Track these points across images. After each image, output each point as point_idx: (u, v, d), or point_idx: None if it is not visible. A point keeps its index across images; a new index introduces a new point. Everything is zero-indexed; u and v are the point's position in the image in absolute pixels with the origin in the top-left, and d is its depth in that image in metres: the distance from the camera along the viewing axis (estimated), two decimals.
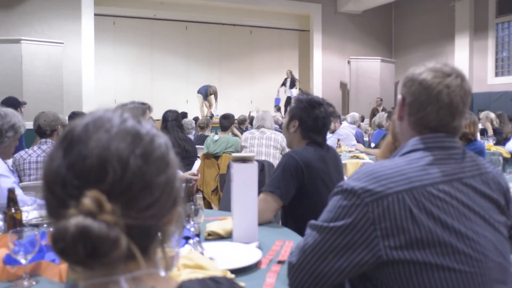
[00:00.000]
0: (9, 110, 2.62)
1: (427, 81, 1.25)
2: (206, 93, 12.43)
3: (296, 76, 15.42)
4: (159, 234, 0.72)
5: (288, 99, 13.30)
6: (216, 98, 12.60)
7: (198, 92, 12.47)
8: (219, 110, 12.28)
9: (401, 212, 1.11)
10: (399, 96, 1.32)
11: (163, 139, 0.73)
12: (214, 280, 0.74)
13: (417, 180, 1.15)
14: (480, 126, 6.66)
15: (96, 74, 11.66)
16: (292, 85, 13.44)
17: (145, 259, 0.67)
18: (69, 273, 1.24)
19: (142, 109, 2.74)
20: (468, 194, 1.20)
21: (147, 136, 0.69)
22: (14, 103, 5.65)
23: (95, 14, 11.65)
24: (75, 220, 0.60)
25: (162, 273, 0.73)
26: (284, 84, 13.63)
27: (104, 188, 0.62)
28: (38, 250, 1.46)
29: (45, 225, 1.92)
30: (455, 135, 1.29)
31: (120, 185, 0.64)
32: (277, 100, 13.44)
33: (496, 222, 1.21)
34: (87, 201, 0.61)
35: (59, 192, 0.64)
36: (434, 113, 1.25)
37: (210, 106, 12.54)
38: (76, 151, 0.65)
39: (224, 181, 4.52)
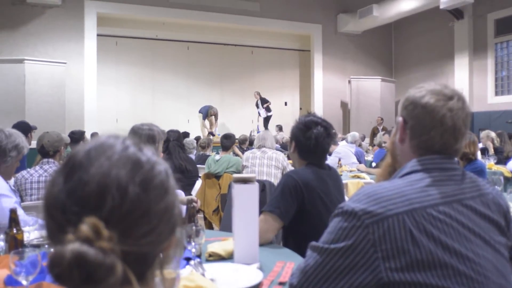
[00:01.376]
0: (13, 131, 2.64)
1: (430, 104, 1.25)
2: (207, 113, 12.51)
3: (297, 95, 15.53)
4: (159, 257, 0.72)
5: (264, 119, 13.46)
6: (216, 119, 12.67)
7: (199, 112, 12.56)
8: (219, 130, 12.35)
9: (402, 233, 1.11)
10: (400, 119, 1.33)
11: (163, 166, 0.74)
12: None
13: (417, 201, 1.16)
14: (481, 145, 6.67)
15: (98, 94, 11.75)
16: (263, 104, 13.53)
17: (141, 284, 0.68)
18: None
19: (155, 136, 2.73)
20: (468, 215, 1.20)
21: (147, 164, 0.70)
22: (25, 128, 5.63)
23: (98, 35, 11.79)
24: (72, 246, 0.60)
25: None
26: (257, 105, 13.75)
27: (102, 215, 0.63)
28: (39, 271, 1.46)
29: (46, 246, 1.92)
30: (455, 156, 1.30)
31: (118, 212, 0.65)
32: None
33: (496, 243, 1.21)
34: (85, 228, 0.62)
35: (58, 217, 0.65)
36: (438, 136, 1.25)
37: (210, 125, 12.61)
38: (77, 177, 0.66)
39: (225, 201, 4.51)
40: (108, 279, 0.61)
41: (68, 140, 4.53)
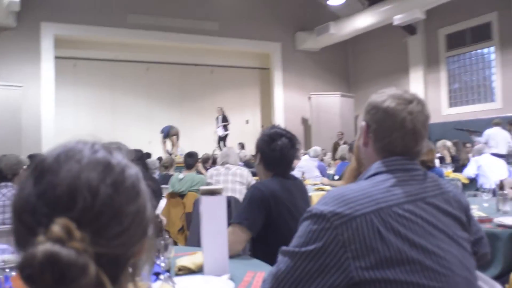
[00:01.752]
0: None
1: (391, 108, 1.30)
2: (168, 133, 12.39)
3: (259, 113, 15.61)
4: (130, 266, 0.71)
5: (219, 138, 13.36)
6: (178, 139, 12.57)
7: (161, 132, 12.45)
8: (181, 150, 12.25)
9: (370, 232, 1.14)
10: (363, 123, 1.37)
11: (134, 170, 0.73)
12: None
13: (383, 201, 1.19)
14: (438, 154, 6.88)
15: (56, 117, 11.50)
16: (225, 121, 13.44)
17: (115, 287, 0.67)
18: None
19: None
20: (431, 212, 1.24)
21: (118, 166, 0.70)
22: None
23: (56, 57, 11.59)
24: (43, 247, 0.59)
25: None
26: (216, 122, 13.61)
27: (74, 216, 0.62)
28: None
29: (7, 270, 1.85)
30: (416, 158, 1.35)
31: (89, 213, 0.64)
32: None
33: (459, 238, 1.26)
34: (56, 228, 0.61)
35: (28, 219, 0.64)
36: (399, 139, 1.30)
37: (172, 145, 12.50)
38: (46, 180, 0.65)
39: (190, 220, 4.47)
40: (81, 279, 0.60)
41: (27, 162, 4.40)
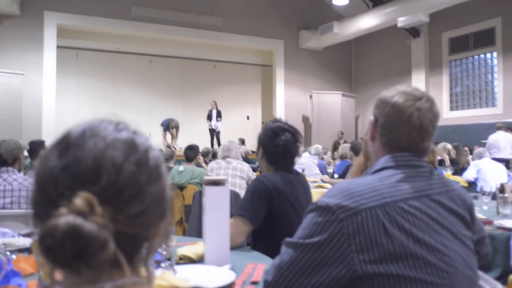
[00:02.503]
0: None
1: (399, 103, 1.30)
2: (168, 126, 12.37)
3: (260, 109, 15.61)
4: (144, 249, 0.72)
5: (211, 131, 13.26)
6: (177, 132, 12.54)
7: (161, 125, 12.43)
8: (181, 143, 12.23)
9: (375, 227, 1.14)
10: (371, 117, 1.37)
11: (157, 152, 0.74)
12: None
13: (389, 196, 1.19)
14: (438, 157, 6.88)
15: (57, 106, 11.49)
16: (218, 117, 13.30)
17: (129, 268, 0.67)
18: None
19: None
20: (436, 209, 1.24)
21: (142, 146, 0.71)
22: None
23: (58, 46, 11.57)
24: (66, 219, 0.60)
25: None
26: (210, 116, 13.42)
27: (97, 191, 0.63)
28: (4, 275, 1.41)
29: (8, 253, 1.86)
30: (423, 155, 1.35)
31: (112, 189, 0.64)
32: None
33: (463, 236, 1.26)
34: (79, 201, 0.61)
35: (51, 191, 0.64)
36: (405, 134, 1.30)
37: (172, 138, 12.48)
38: (72, 153, 0.66)
39: (189, 212, 4.47)
40: (100, 254, 0.61)
41: (27, 147, 4.40)
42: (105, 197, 0.63)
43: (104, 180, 0.64)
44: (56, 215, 0.61)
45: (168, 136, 12.50)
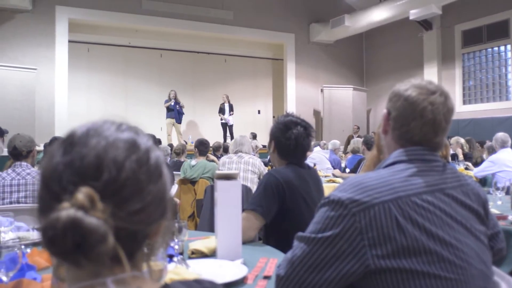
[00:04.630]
0: None
1: (412, 97, 1.29)
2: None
3: (271, 103, 15.58)
4: (146, 246, 0.74)
5: (224, 125, 13.25)
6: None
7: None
8: (192, 137, 12.30)
9: (388, 221, 1.13)
10: (384, 110, 1.36)
11: (158, 153, 0.77)
12: (197, 281, 0.78)
13: (401, 190, 1.18)
14: (451, 151, 6.82)
15: (69, 101, 11.57)
16: (231, 110, 13.30)
17: (130, 264, 0.70)
18: None
19: None
20: (450, 204, 1.23)
21: (143, 146, 0.74)
22: None
23: (69, 41, 11.63)
24: (67, 212, 0.63)
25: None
26: (222, 110, 13.41)
27: (98, 187, 0.66)
28: (19, 268, 1.43)
29: (22, 246, 1.88)
30: (436, 150, 1.34)
31: (113, 185, 0.67)
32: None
33: (477, 231, 1.25)
34: (80, 196, 0.64)
35: (55, 186, 0.67)
36: (418, 128, 1.29)
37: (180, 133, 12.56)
38: (75, 151, 0.69)
39: (201, 206, 4.48)
40: (100, 247, 0.63)
41: (39, 144, 4.45)
42: (106, 193, 0.66)
43: (105, 176, 0.67)
44: (58, 208, 0.63)
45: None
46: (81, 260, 0.63)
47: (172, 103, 12.36)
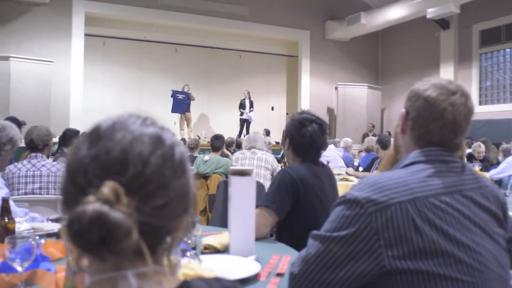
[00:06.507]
0: (7, 123, 2.59)
1: (432, 98, 1.27)
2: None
3: (284, 100, 15.54)
4: (167, 239, 0.74)
5: (243, 121, 13.24)
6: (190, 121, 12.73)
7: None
8: (205, 132, 12.33)
9: (404, 222, 1.12)
10: (403, 110, 1.34)
11: (182, 148, 0.77)
12: (217, 279, 0.77)
13: (419, 191, 1.17)
14: (469, 150, 6.76)
15: (84, 94, 11.64)
16: (251, 106, 13.30)
17: (152, 258, 0.70)
18: (67, 281, 1.22)
19: None
20: (468, 206, 1.21)
21: (168, 141, 0.74)
22: (15, 123, 5.58)
23: (85, 34, 11.70)
24: (93, 206, 0.63)
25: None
26: (243, 106, 13.39)
27: (123, 181, 0.66)
28: (34, 259, 1.44)
29: (37, 237, 1.89)
30: (455, 151, 1.32)
31: (138, 180, 0.67)
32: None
33: (495, 234, 1.23)
34: (106, 190, 0.64)
35: (80, 179, 0.67)
36: (437, 129, 1.27)
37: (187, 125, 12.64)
38: (101, 144, 0.69)
39: (213, 201, 4.50)
40: (124, 242, 0.63)
41: (56, 135, 4.50)
42: (131, 188, 0.66)
43: (130, 171, 0.67)
44: (84, 202, 0.64)
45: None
46: (105, 254, 0.64)
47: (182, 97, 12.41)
